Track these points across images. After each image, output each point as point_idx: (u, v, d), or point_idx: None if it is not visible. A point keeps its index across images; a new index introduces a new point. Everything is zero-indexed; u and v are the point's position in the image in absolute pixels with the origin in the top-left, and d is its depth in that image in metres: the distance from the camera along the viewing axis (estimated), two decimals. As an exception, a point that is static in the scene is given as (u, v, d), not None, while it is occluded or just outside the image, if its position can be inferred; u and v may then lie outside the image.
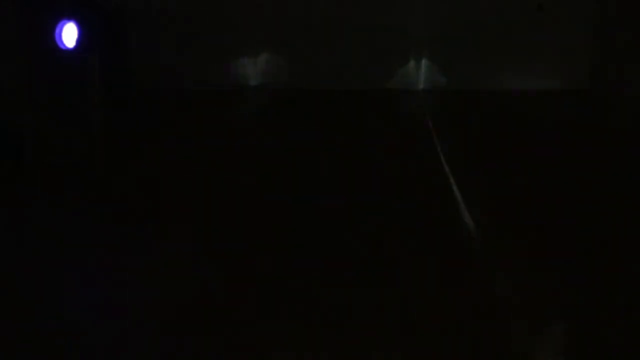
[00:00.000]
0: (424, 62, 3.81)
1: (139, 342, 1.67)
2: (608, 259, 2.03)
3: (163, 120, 3.26)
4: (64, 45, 2.60)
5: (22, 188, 2.48)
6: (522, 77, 3.81)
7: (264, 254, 2.06)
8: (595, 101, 3.58)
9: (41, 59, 2.56)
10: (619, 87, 3.49)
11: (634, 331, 1.70)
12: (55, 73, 2.60)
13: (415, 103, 3.63)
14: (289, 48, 3.76)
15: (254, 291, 1.88)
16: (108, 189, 2.50)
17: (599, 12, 3.69)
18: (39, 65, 2.55)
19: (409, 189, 2.53)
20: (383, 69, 3.82)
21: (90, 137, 2.66)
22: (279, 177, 2.62)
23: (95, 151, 2.67)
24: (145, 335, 1.70)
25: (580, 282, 1.92)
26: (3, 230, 2.20)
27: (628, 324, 1.73)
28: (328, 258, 2.04)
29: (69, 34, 2.60)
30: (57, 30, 2.58)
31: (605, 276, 1.95)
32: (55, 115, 2.60)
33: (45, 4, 2.56)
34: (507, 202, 2.40)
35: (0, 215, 2.30)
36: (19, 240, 2.15)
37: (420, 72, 3.83)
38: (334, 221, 2.27)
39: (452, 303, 1.83)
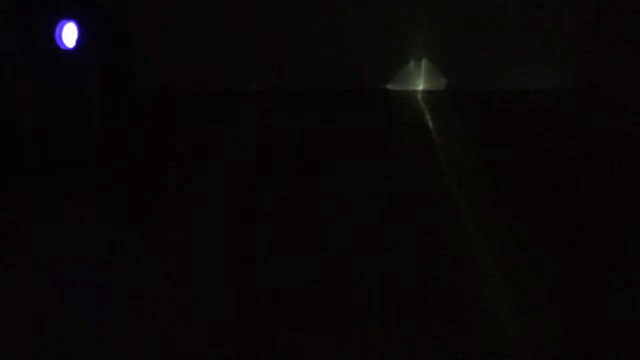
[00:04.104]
0: (424, 62, 3.81)
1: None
2: (608, 259, 2.03)
3: (163, 120, 3.26)
4: (64, 45, 2.60)
5: (21, 188, 2.48)
6: (522, 77, 3.81)
7: (265, 256, 2.07)
8: (595, 101, 3.58)
9: (41, 59, 2.55)
10: (619, 87, 3.49)
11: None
12: (55, 73, 2.59)
13: (415, 103, 3.63)
14: (288, 48, 3.76)
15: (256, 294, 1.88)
16: (108, 189, 2.50)
17: (599, 12, 3.69)
18: (39, 65, 2.55)
19: (409, 190, 2.53)
20: (383, 69, 3.82)
21: (90, 137, 2.66)
22: (278, 178, 2.62)
23: (96, 151, 2.67)
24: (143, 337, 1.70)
25: (578, 282, 1.92)
26: (2, 230, 2.20)
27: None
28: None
29: (69, 34, 2.60)
30: (57, 30, 2.57)
31: (605, 277, 1.95)
32: (55, 115, 2.60)
33: (45, 4, 2.55)
34: (508, 202, 2.40)
35: (0, 215, 2.30)
36: (19, 240, 2.15)
37: (420, 73, 3.83)
38: (331, 228, 2.26)
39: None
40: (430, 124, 3.28)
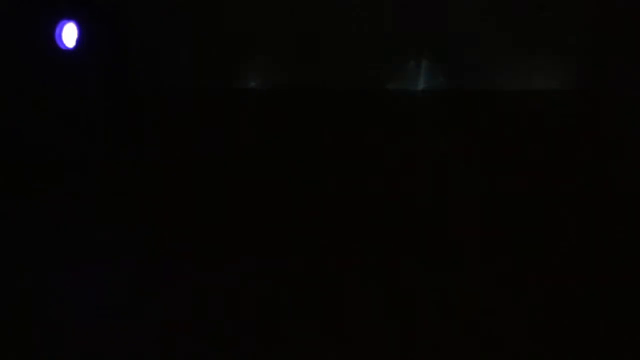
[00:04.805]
0: (424, 62, 3.81)
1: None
2: (607, 260, 2.03)
3: (163, 120, 3.26)
4: (64, 45, 2.60)
5: (20, 188, 2.48)
6: (522, 77, 3.81)
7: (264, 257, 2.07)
8: (595, 101, 3.58)
9: (41, 59, 2.56)
10: (619, 87, 3.48)
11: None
12: (55, 73, 2.59)
13: (415, 103, 3.63)
14: (287, 47, 3.76)
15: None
16: (107, 190, 2.50)
17: (599, 12, 3.69)
18: (39, 65, 2.55)
19: (408, 190, 2.53)
20: (383, 69, 3.82)
21: (89, 138, 2.66)
22: (277, 178, 2.62)
23: (95, 152, 2.67)
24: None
25: (578, 283, 1.92)
26: (1, 231, 2.21)
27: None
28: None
29: (69, 34, 2.60)
30: (57, 30, 2.57)
31: (604, 278, 1.95)
32: (55, 115, 2.60)
33: (45, 4, 2.55)
34: (509, 203, 2.40)
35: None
36: (17, 240, 2.15)
37: (420, 73, 3.83)
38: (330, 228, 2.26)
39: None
40: (429, 124, 3.28)
